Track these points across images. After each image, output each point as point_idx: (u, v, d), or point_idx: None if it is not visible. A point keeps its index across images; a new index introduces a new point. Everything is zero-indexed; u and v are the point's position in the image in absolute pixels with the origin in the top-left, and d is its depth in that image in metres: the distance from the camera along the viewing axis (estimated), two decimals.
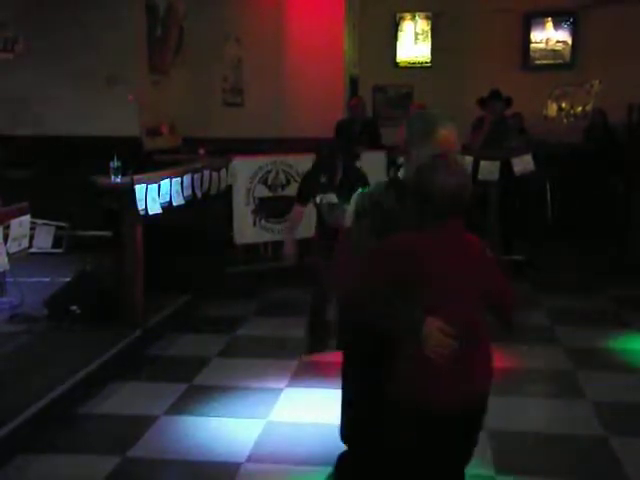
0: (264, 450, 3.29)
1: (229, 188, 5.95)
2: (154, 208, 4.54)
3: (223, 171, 5.80)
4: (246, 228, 6.09)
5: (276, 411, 3.68)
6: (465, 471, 2.16)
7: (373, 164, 5.72)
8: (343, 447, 3.12)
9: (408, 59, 8.82)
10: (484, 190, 6.29)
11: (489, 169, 6.29)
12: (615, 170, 7.36)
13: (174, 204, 4.82)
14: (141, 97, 6.72)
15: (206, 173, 5.47)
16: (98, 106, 6.61)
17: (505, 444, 3.27)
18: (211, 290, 5.63)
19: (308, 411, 3.71)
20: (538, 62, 8.64)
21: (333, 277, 2.31)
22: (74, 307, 4.47)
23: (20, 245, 3.62)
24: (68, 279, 4.75)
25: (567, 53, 8.60)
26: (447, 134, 2.11)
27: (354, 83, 8.49)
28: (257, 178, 6.12)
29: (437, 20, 8.63)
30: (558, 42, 8.62)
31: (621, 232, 6.79)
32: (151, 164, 5.93)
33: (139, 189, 4.39)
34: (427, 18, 8.72)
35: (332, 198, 4.20)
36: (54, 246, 5.37)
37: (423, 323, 1.89)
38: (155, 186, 4.58)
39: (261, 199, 6.13)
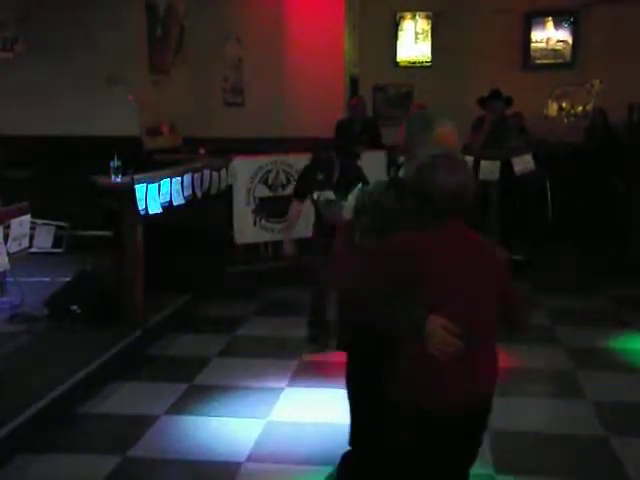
0: (264, 450, 3.29)
1: (229, 188, 5.95)
2: (154, 208, 4.54)
3: (223, 171, 5.80)
4: (246, 228, 6.09)
5: (276, 411, 3.68)
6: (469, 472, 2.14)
7: (373, 164, 5.71)
8: (343, 447, 3.12)
9: (408, 59, 8.81)
10: (484, 190, 6.29)
11: (489, 169, 6.29)
12: (615, 170, 7.35)
13: (174, 204, 4.82)
14: (141, 97, 6.72)
15: (206, 173, 5.47)
16: (98, 106, 6.60)
17: (505, 444, 3.27)
18: (211, 290, 5.63)
19: (308, 411, 3.71)
20: (538, 62, 8.63)
21: (331, 273, 2.30)
22: (74, 307, 4.47)
23: (20, 245, 3.62)
24: (68, 279, 4.75)
25: (567, 53, 8.59)
26: (446, 132, 2.11)
27: (354, 83, 8.49)
28: (257, 178, 6.12)
29: (437, 20, 8.63)
30: (558, 42, 8.62)
31: (621, 232, 6.78)
32: (151, 164, 5.93)
33: (139, 189, 4.39)
34: (427, 17, 8.72)
35: (329, 195, 4.21)
36: (54, 246, 5.36)
37: (426, 321, 1.87)
38: (155, 186, 4.58)
39: (261, 199, 6.13)
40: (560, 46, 8.62)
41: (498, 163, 6.39)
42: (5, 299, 4.83)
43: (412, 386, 1.96)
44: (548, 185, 7.57)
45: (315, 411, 3.69)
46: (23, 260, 3.80)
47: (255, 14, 7.88)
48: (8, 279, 4.80)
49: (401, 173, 2.21)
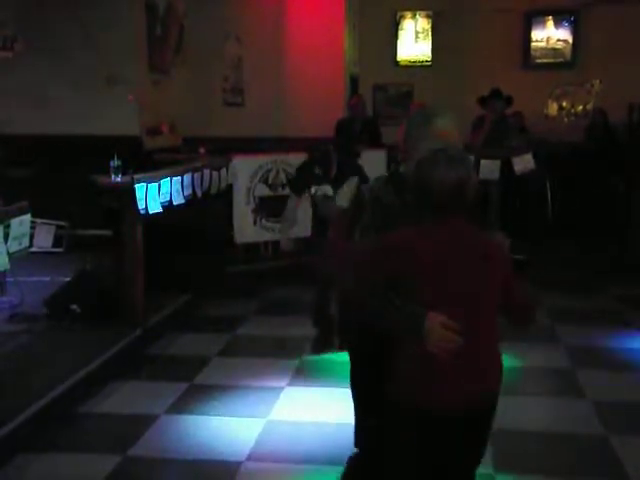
0: (264, 449, 3.29)
1: (229, 187, 5.95)
2: (154, 207, 4.54)
3: (223, 170, 5.79)
4: (246, 227, 6.09)
5: (276, 410, 3.68)
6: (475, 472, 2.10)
7: (373, 163, 5.71)
8: (343, 446, 3.12)
9: (408, 58, 8.81)
10: (485, 189, 6.28)
11: (490, 168, 6.29)
12: (615, 169, 7.36)
13: (174, 203, 4.82)
14: (141, 96, 6.72)
15: (206, 172, 5.47)
16: (98, 105, 6.60)
17: (505, 443, 3.27)
18: (211, 289, 5.63)
19: (308, 410, 3.71)
20: (539, 61, 8.63)
21: (330, 267, 2.28)
22: (74, 306, 4.47)
23: (20, 244, 3.62)
24: (68, 278, 4.75)
25: (568, 52, 8.59)
26: (445, 124, 2.09)
27: (354, 82, 8.48)
28: (257, 177, 6.12)
29: (438, 19, 8.63)
30: (559, 41, 8.61)
31: (621, 231, 6.78)
32: (151, 163, 5.93)
33: (139, 188, 4.39)
34: (428, 17, 8.72)
35: (327, 190, 4.18)
36: (54, 245, 5.36)
37: (424, 318, 1.85)
38: (155, 185, 4.58)
39: (261, 198, 6.12)
40: (560, 45, 8.61)
41: (498, 162, 6.39)
42: (5, 298, 4.83)
43: (412, 386, 1.95)
44: (548, 184, 7.57)
45: (315, 410, 3.69)
46: (23, 259, 3.80)
47: (255, 13, 7.88)
48: (8, 279, 4.80)
49: (402, 168, 2.20)
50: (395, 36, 8.77)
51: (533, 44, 8.62)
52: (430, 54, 8.72)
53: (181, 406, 3.73)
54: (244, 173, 6.05)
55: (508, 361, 2.11)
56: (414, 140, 2.11)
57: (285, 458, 3.22)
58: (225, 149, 6.24)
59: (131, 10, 6.77)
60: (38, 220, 4.88)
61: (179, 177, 4.94)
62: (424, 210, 1.94)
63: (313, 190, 4.27)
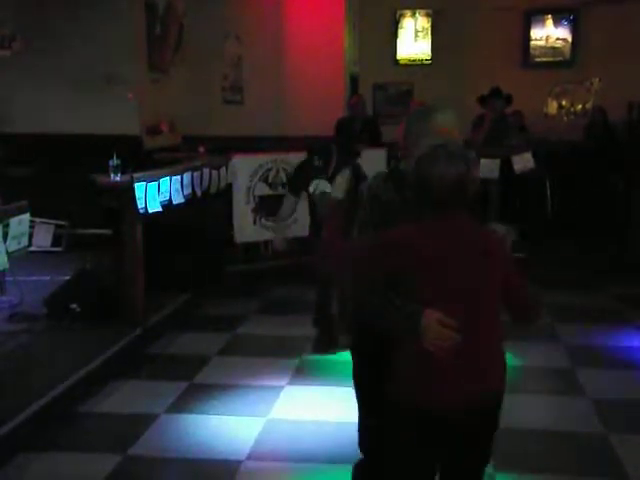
0: (264, 448, 3.29)
1: (229, 186, 5.94)
2: (154, 206, 4.53)
3: (223, 169, 5.79)
4: (246, 226, 6.08)
5: (276, 409, 3.68)
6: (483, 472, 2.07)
7: (373, 162, 5.70)
8: (343, 445, 3.13)
9: (408, 56, 8.80)
10: (484, 188, 6.29)
11: (489, 167, 6.29)
12: (615, 168, 7.35)
13: (174, 202, 4.81)
14: (141, 95, 6.71)
15: (206, 171, 5.46)
16: (97, 104, 6.60)
17: (504, 441, 3.25)
18: (211, 289, 5.63)
19: (308, 409, 3.71)
20: (538, 60, 8.62)
21: (327, 262, 2.25)
22: (74, 306, 4.47)
23: (19, 243, 3.62)
24: (68, 277, 4.75)
25: (567, 51, 8.58)
26: (445, 120, 2.07)
27: (354, 81, 8.48)
28: (257, 176, 6.11)
29: (437, 17, 8.62)
30: (558, 39, 8.61)
31: (621, 230, 6.78)
32: (151, 162, 5.93)
33: (139, 187, 4.38)
34: (427, 15, 8.71)
35: (325, 186, 4.13)
36: (54, 245, 5.36)
37: (421, 316, 1.84)
38: (155, 184, 4.57)
39: (261, 197, 6.12)
40: (559, 44, 8.61)
41: (498, 161, 6.39)
42: (4, 298, 4.83)
43: (411, 386, 1.94)
44: (548, 183, 7.57)
45: (315, 409, 3.70)
46: (22, 259, 3.79)
47: (255, 12, 7.87)
48: (7, 278, 4.80)
49: (401, 165, 2.19)
50: (395, 35, 8.76)
51: (532, 43, 8.62)
52: (430, 53, 8.71)
53: (181, 405, 3.73)
54: (244, 172, 6.05)
55: (508, 360, 2.09)
56: (414, 136, 2.10)
57: (285, 457, 3.22)
58: (225, 148, 6.24)
59: (131, 9, 6.76)
60: (37, 219, 4.87)
61: (179, 176, 4.93)
62: (424, 206, 1.93)
63: (311, 189, 4.24)
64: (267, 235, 6.19)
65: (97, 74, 6.61)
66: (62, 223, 6.06)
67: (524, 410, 3.69)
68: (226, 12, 7.80)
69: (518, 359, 4.25)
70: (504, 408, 2.07)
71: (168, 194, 4.75)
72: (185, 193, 5.01)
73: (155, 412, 3.62)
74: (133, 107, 6.65)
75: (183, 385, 3.96)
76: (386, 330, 1.97)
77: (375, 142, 6.91)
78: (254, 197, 6.11)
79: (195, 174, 5.23)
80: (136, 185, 4.36)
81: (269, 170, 6.15)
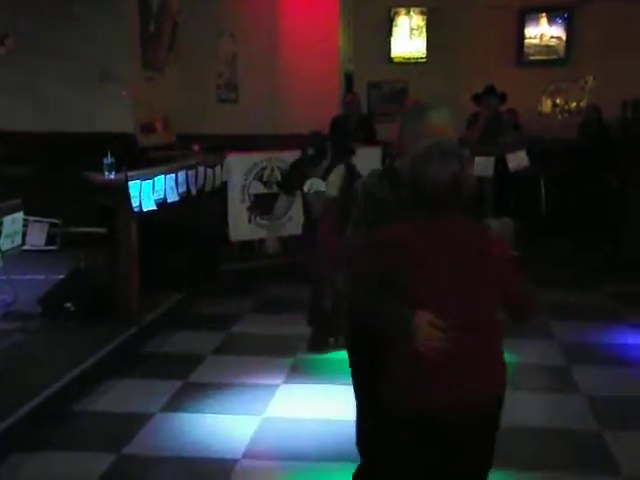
0: (260, 446, 3.29)
1: (224, 185, 5.93)
2: (148, 205, 4.52)
3: (218, 168, 5.78)
4: (241, 225, 6.08)
5: (272, 407, 3.68)
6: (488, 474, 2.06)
7: (368, 160, 5.71)
8: (339, 443, 3.13)
9: (403, 54, 8.81)
10: (479, 186, 6.29)
11: (484, 165, 6.30)
12: (609, 166, 7.38)
13: (168, 201, 4.80)
14: (135, 93, 6.69)
15: (201, 170, 5.45)
16: (91, 102, 6.57)
17: (500, 439, 3.26)
18: (206, 287, 5.62)
19: (304, 407, 3.71)
20: (532, 58, 8.65)
21: (321, 260, 2.24)
22: (68, 304, 4.45)
23: (13, 242, 3.61)
24: (62, 276, 4.73)
25: (561, 49, 8.61)
26: (440, 118, 2.07)
27: (349, 79, 8.48)
28: (252, 175, 6.10)
29: (432, 15, 8.63)
30: (552, 38, 8.63)
31: (615, 228, 6.80)
32: (145, 161, 5.91)
33: (133, 186, 4.37)
34: (422, 13, 8.72)
35: (320, 185, 4.13)
36: (48, 243, 5.35)
37: (413, 316, 1.84)
38: (149, 183, 4.56)
39: (256, 196, 6.11)
40: (554, 42, 8.63)
41: (492, 159, 6.40)
42: None
43: (403, 386, 1.93)
44: (542, 181, 7.59)
45: (310, 408, 3.69)
46: (16, 257, 3.79)
47: (249, 10, 7.86)
48: (1, 277, 4.77)
49: (396, 164, 2.19)
50: (389, 33, 8.77)
51: (527, 41, 8.64)
52: (425, 51, 8.72)
53: (176, 404, 3.72)
54: (238, 170, 6.04)
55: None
56: (408, 134, 2.10)
57: (281, 455, 3.22)
58: (219, 146, 6.23)
59: (125, 7, 6.74)
60: (31, 218, 4.86)
61: (173, 174, 4.92)
62: (418, 206, 1.93)
63: (306, 188, 4.23)
64: (262, 234, 6.18)
65: (91, 72, 6.59)
66: (56, 222, 6.04)
67: (519, 407, 3.70)
68: (221, 10, 7.78)
69: (513, 356, 4.25)
70: None
71: (163, 192, 4.74)
72: (180, 191, 5.00)
73: (150, 411, 3.61)
74: (127, 105, 6.63)
75: (178, 384, 3.95)
76: (380, 329, 1.97)
77: (370, 140, 6.91)
78: (249, 195, 6.10)
79: (190, 172, 5.22)
80: (130, 183, 4.35)
81: (264, 168, 6.14)
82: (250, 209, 6.09)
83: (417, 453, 1.95)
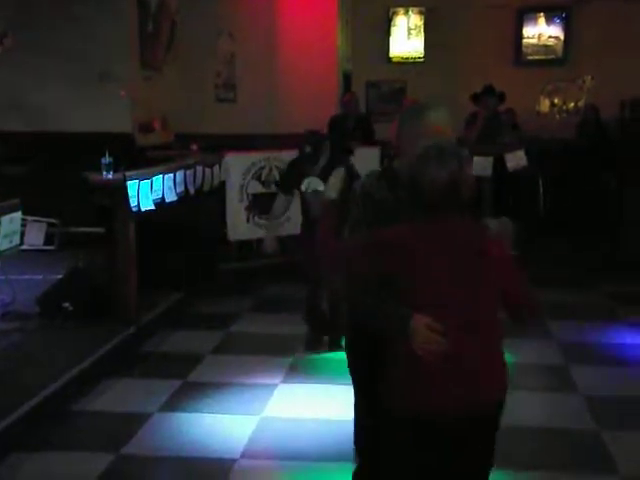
0: (258, 446, 3.29)
1: (222, 184, 5.93)
2: (146, 204, 4.52)
3: (216, 167, 5.78)
4: (239, 224, 6.07)
5: (270, 407, 3.68)
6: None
7: (367, 160, 5.71)
8: (337, 442, 3.13)
9: (401, 54, 8.81)
10: (477, 186, 6.30)
11: (482, 165, 6.30)
12: (607, 166, 7.38)
13: (167, 200, 4.80)
14: (133, 93, 6.68)
15: (199, 169, 5.45)
16: (90, 102, 6.57)
17: (498, 439, 3.27)
18: (204, 287, 5.62)
19: (302, 407, 3.71)
20: (530, 58, 8.65)
21: (321, 263, 2.24)
22: (66, 304, 4.45)
23: (11, 242, 3.61)
24: (60, 276, 4.72)
25: (559, 48, 8.61)
26: (438, 118, 2.06)
27: (347, 79, 8.48)
28: (250, 174, 6.10)
29: (430, 15, 8.63)
30: (550, 37, 8.64)
31: (613, 228, 6.81)
32: (143, 160, 5.90)
33: (131, 185, 4.37)
34: (420, 13, 8.72)
35: (317, 185, 4.12)
36: (46, 243, 5.33)
37: (410, 319, 1.83)
38: (147, 182, 4.56)
39: (254, 195, 6.11)
40: (552, 42, 8.64)
41: (491, 159, 6.41)
42: None
43: (401, 388, 1.92)
44: (540, 181, 7.60)
45: (309, 407, 3.70)
46: (14, 257, 3.78)
47: (247, 9, 7.86)
48: None
49: (395, 164, 2.19)
50: (388, 32, 8.77)
51: (525, 41, 8.64)
52: (423, 51, 8.72)
53: (174, 404, 3.72)
54: (237, 170, 6.03)
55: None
56: (407, 134, 2.09)
57: (279, 455, 3.22)
58: (217, 146, 6.22)
59: (123, 7, 6.73)
60: (29, 218, 4.85)
61: (171, 174, 4.92)
62: (417, 208, 1.92)
63: (303, 187, 4.23)
64: (260, 233, 6.17)
65: (89, 72, 6.58)
66: (54, 221, 6.03)
67: (517, 407, 3.69)
68: (219, 9, 7.78)
69: (511, 356, 4.26)
70: None
71: (161, 192, 4.73)
72: (178, 191, 4.99)
73: (148, 411, 3.61)
74: (125, 105, 6.63)
75: (176, 383, 3.95)
76: (379, 330, 1.96)
77: (368, 140, 6.91)
78: (247, 195, 6.10)
79: (188, 172, 5.22)
80: (129, 183, 4.35)
81: (262, 168, 6.14)
82: (248, 208, 6.08)
83: (415, 455, 1.94)
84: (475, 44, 8.37)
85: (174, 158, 5.80)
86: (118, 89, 6.48)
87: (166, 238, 5.21)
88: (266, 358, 4.36)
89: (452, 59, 8.38)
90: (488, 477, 2.07)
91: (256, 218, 6.10)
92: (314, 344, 4.43)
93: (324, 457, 3.13)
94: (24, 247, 4.26)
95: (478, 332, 1.91)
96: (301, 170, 4.26)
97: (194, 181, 5.33)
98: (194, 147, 6.48)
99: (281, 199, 4.64)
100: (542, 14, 8.61)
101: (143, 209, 4.48)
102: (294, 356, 4.38)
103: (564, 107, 8.46)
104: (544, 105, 8.50)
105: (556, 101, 8.48)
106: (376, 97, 8.79)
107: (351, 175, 3.87)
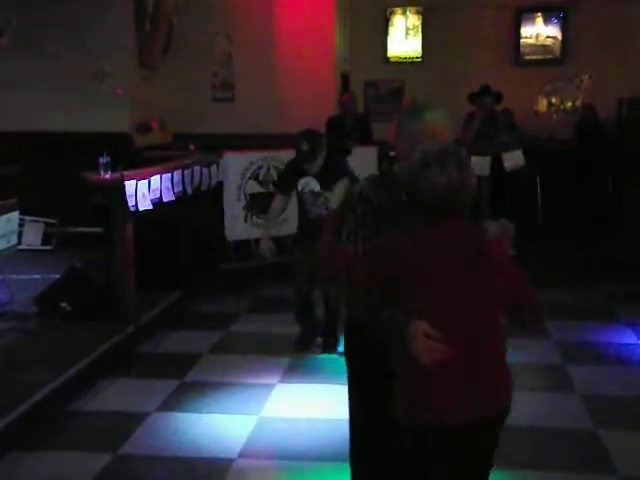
0: (256, 446, 3.29)
1: (220, 184, 5.92)
2: (144, 204, 4.51)
3: (214, 167, 5.77)
4: (237, 224, 6.07)
5: (268, 407, 3.68)
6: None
7: (364, 160, 5.71)
8: (335, 442, 3.12)
9: (399, 54, 8.81)
10: (477, 186, 6.31)
11: (480, 164, 6.31)
12: (605, 165, 7.40)
13: (164, 200, 4.80)
14: (131, 93, 6.68)
15: (197, 169, 5.45)
16: (87, 102, 6.56)
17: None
18: (203, 287, 5.61)
19: (300, 407, 3.71)
20: (528, 57, 8.65)
21: (322, 270, 2.24)
22: (64, 304, 4.44)
23: (9, 242, 3.60)
24: (58, 276, 4.72)
25: (557, 48, 8.62)
26: (437, 119, 2.05)
27: (345, 79, 8.48)
28: (248, 174, 6.10)
29: (428, 15, 8.63)
30: (548, 37, 8.64)
31: (612, 228, 6.81)
32: (141, 160, 5.90)
33: (129, 185, 4.36)
34: (418, 13, 8.72)
35: (314, 185, 4.14)
36: (44, 243, 5.34)
37: (408, 327, 1.81)
38: (145, 182, 4.55)
39: (252, 195, 6.10)
40: (549, 42, 8.64)
41: (488, 159, 6.42)
42: None
43: (406, 399, 1.90)
44: (538, 180, 7.61)
45: (307, 407, 3.69)
46: (12, 257, 3.78)
47: (245, 9, 7.85)
48: None
49: (395, 167, 2.18)
50: (385, 32, 8.77)
51: (522, 41, 8.65)
52: (421, 50, 8.72)
53: (172, 404, 3.71)
54: (234, 170, 6.03)
55: None
56: (405, 134, 2.08)
57: (277, 455, 3.22)
58: (215, 146, 6.22)
59: (120, 6, 6.73)
60: (27, 217, 4.85)
61: (169, 174, 4.91)
62: (416, 213, 1.90)
63: (300, 187, 4.23)
64: (258, 233, 6.17)
65: (87, 71, 6.57)
66: (52, 221, 6.03)
67: (515, 406, 3.69)
68: (216, 9, 7.77)
69: (509, 356, 4.26)
70: None
71: (159, 192, 4.73)
72: (176, 191, 4.99)
73: (146, 410, 3.61)
74: (123, 104, 6.62)
75: (174, 383, 3.95)
76: (379, 338, 1.94)
77: (366, 140, 6.90)
78: (245, 195, 6.10)
79: (186, 172, 5.22)
80: (126, 183, 4.34)
81: (260, 168, 6.14)
82: (246, 208, 6.08)
83: (418, 461, 1.93)
84: (473, 44, 8.37)
85: (172, 158, 5.79)
86: (115, 88, 6.47)
87: (164, 238, 5.20)
88: (264, 358, 4.35)
89: (450, 59, 8.38)
90: (488, 477, 2.06)
91: (254, 218, 6.10)
92: (303, 344, 4.42)
93: (322, 457, 3.13)
94: (22, 247, 4.27)
95: (480, 338, 1.89)
96: (299, 168, 4.26)
97: (192, 181, 5.32)
98: (192, 147, 6.47)
99: (279, 199, 4.64)
100: (540, 14, 8.61)
101: (141, 209, 4.48)
102: (292, 356, 4.37)
103: (562, 107, 8.47)
104: (542, 105, 8.51)
105: (554, 101, 8.49)
106: (374, 97, 8.79)
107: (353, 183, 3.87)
